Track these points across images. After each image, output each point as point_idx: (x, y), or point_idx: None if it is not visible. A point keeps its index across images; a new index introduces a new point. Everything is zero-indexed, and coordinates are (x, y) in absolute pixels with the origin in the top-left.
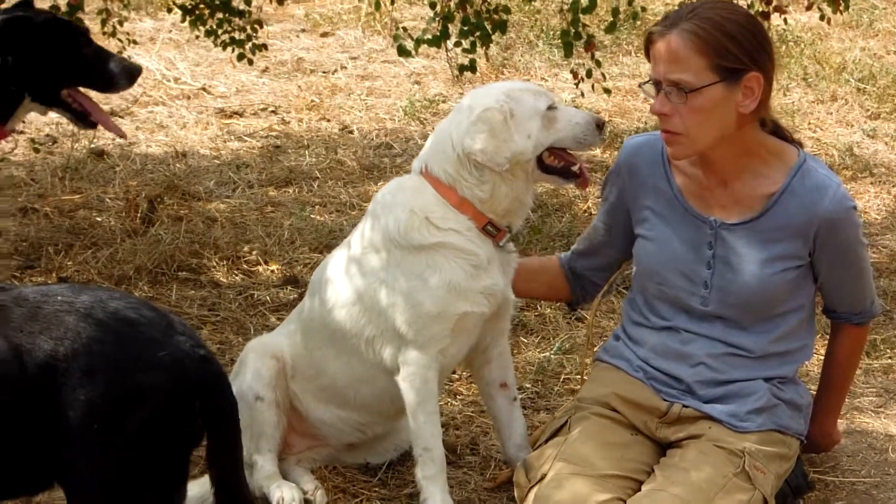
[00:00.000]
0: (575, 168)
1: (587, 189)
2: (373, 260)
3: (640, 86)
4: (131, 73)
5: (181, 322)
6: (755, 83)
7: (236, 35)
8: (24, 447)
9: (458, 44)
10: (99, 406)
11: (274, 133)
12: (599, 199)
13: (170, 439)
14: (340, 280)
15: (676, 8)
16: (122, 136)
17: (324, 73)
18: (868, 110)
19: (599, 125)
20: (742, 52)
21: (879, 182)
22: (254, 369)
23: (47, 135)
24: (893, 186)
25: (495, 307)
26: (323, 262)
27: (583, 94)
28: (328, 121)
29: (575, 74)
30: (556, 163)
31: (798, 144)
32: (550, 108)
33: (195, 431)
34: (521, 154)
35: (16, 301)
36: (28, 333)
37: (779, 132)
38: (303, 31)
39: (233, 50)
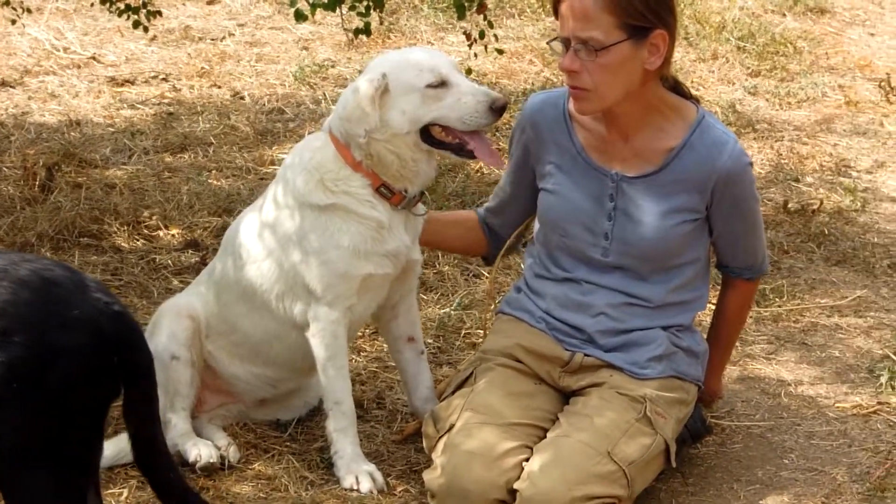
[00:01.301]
0: (469, 147)
1: (501, 166)
2: (284, 218)
3: (548, 42)
4: None
5: (95, 280)
6: (661, 41)
7: (131, 2)
8: None
9: (352, 7)
10: (18, 366)
11: (166, 100)
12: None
13: (88, 395)
14: (252, 239)
15: None
16: None
17: (212, 40)
18: (748, 68)
19: (494, 107)
20: (648, 10)
21: (762, 137)
22: (169, 330)
23: None
24: (776, 141)
25: (400, 268)
26: (234, 223)
27: (476, 55)
28: (219, 87)
29: (468, 36)
30: (446, 137)
31: (696, 101)
32: (435, 84)
33: (113, 386)
34: (394, 129)
35: None
36: None
37: (678, 89)
38: None
39: (127, 17)
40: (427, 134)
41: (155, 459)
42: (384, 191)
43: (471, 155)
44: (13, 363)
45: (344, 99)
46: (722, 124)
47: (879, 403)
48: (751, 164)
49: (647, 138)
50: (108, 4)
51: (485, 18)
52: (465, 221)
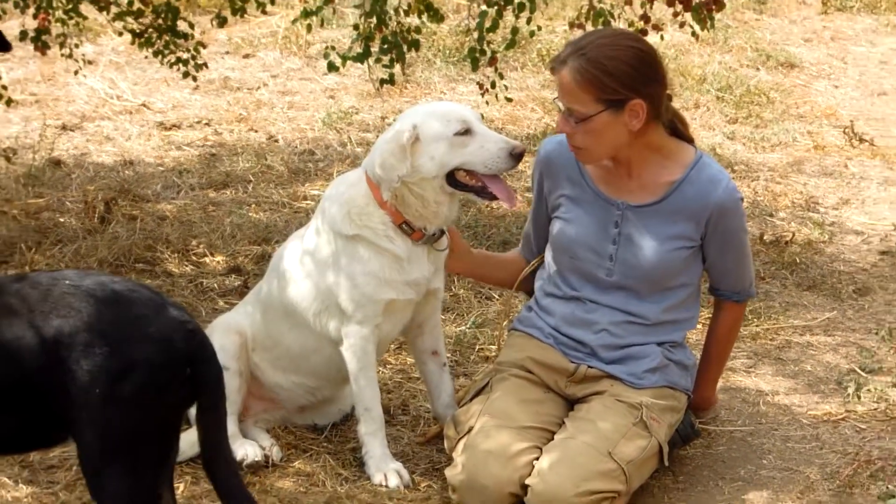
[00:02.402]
0: (489, 189)
1: (515, 206)
2: (321, 244)
3: (553, 100)
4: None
5: (175, 302)
6: (639, 108)
7: (181, 55)
8: (43, 408)
9: (377, 60)
10: (97, 375)
11: (209, 143)
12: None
13: (161, 402)
14: (294, 263)
15: (572, 40)
16: None
17: (248, 89)
18: (727, 115)
19: (514, 153)
20: (622, 85)
21: (740, 177)
22: (219, 344)
23: (7, 147)
24: (752, 181)
25: (422, 294)
26: (280, 248)
27: (487, 103)
28: (256, 131)
29: (481, 86)
30: (470, 181)
31: (693, 144)
32: (462, 133)
33: (186, 395)
34: (423, 173)
35: (31, 285)
36: (40, 313)
37: (678, 130)
38: (227, 52)
39: (178, 69)
40: (452, 178)
41: (220, 462)
42: (406, 227)
43: (491, 196)
44: (94, 372)
45: (379, 147)
46: (717, 164)
47: (847, 411)
48: (741, 199)
49: (650, 173)
50: (160, 58)
51: (495, 70)
52: (511, 262)
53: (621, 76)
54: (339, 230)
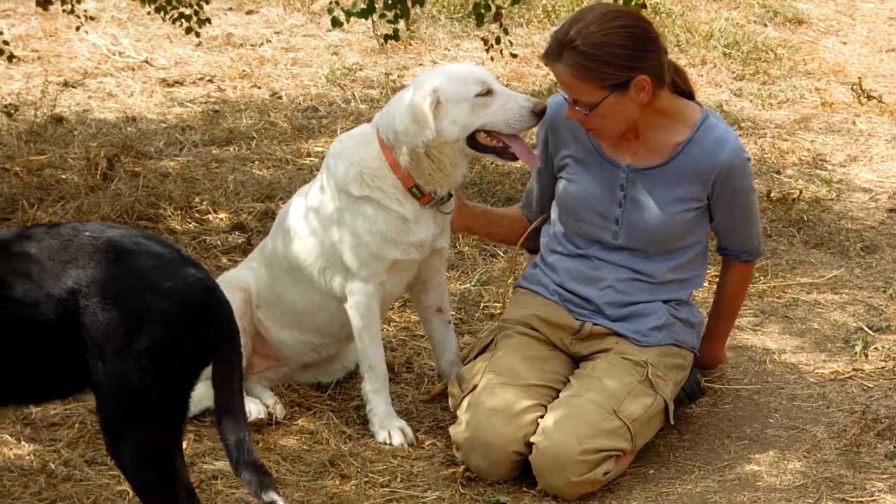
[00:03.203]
0: (511, 149)
1: (537, 164)
2: (326, 201)
3: (556, 89)
4: None
5: (192, 258)
6: (643, 82)
7: (184, 11)
8: (59, 357)
9: (382, 15)
10: (114, 326)
11: (212, 99)
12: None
13: (176, 359)
14: (299, 220)
15: (557, 30)
16: None
17: (251, 46)
18: (734, 72)
19: (536, 110)
20: (620, 69)
21: (746, 134)
22: None
23: (9, 104)
24: (759, 138)
25: (427, 254)
26: (285, 205)
27: (493, 59)
28: (259, 88)
29: (485, 42)
30: (491, 142)
31: (699, 103)
32: (483, 94)
33: (201, 353)
34: (446, 137)
35: (52, 234)
36: (59, 262)
37: (678, 88)
38: (230, 9)
39: (180, 24)
40: (472, 140)
41: (231, 420)
42: (415, 191)
43: (513, 157)
44: (110, 324)
45: (399, 113)
46: (724, 122)
47: (854, 370)
48: (748, 159)
49: (656, 135)
50: (162, 13)
51: (500, 26)
52: (511, 217)
53: (617, 59)
54: (347, 190)
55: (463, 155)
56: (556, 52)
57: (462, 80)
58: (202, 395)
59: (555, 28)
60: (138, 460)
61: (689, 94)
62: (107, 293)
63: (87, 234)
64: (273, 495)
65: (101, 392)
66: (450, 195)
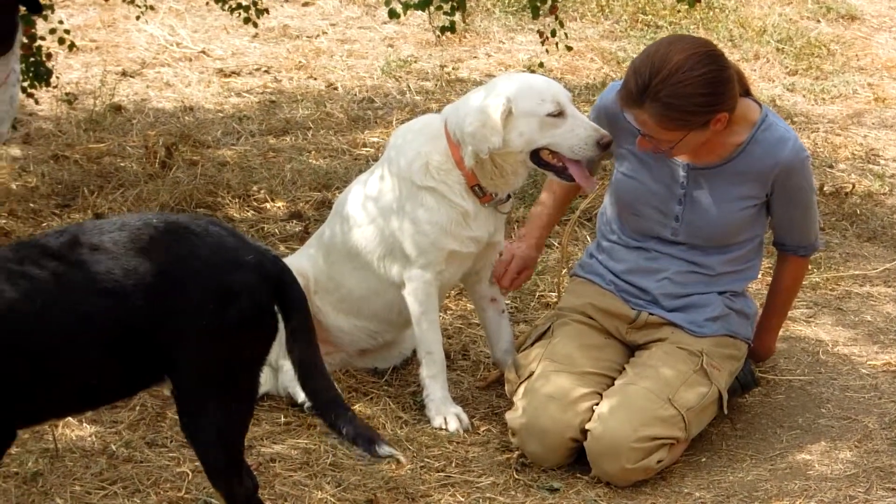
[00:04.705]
0: (569, 171)
1: (594, 191)
2: (387, 191)
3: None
4: None
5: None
6: (722, 118)
7: (242, 1)
8: (145, 350)
9: (439, 7)
10: (205, 304)
11: (269, 90)
12: None
13: (257, 333)
14: (358, 207)
15: (638, 71)
16: None
17: (308, 37)
18: (787, 67)
19: (602, 142)
20: (702, 113)
21: (799, 129)
22: None
23: (69, 93)
24: (812, 132)
25: (482, 248)
26: (343, 192)
27: (547, 51)
28: (315, 79)
29: (541, 34)
30: (552, 160)
31: (757, 101)
32: (554, 114)
33: (274, 324)
34: (510, 148)
35: (120, 227)
36: (134, 253)
37: (739, 89)
38: (286, 1)
39: (238, 14)
40: (535, 154)
41: (318, 380)
42: (477, 190)
43: (570, 178)
44: (201, 301)
45: (469, 114)
46: (783, 121)
47: None
48: (808, 157)
49: (717, 136)
50: (221, 3)
51: (556, 19)
52: (563, 202)
53: (700, 107)
54: (411, 179)
55: (525, 166)
56: (638, 99)
57: (538, 95)
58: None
59: (631, 66)
60: (214, 440)
61: (745, 92)
62: (191, 274)
63: (154, 221)
64: (387, 448)
65: (184, 373)
66: (508, 196)
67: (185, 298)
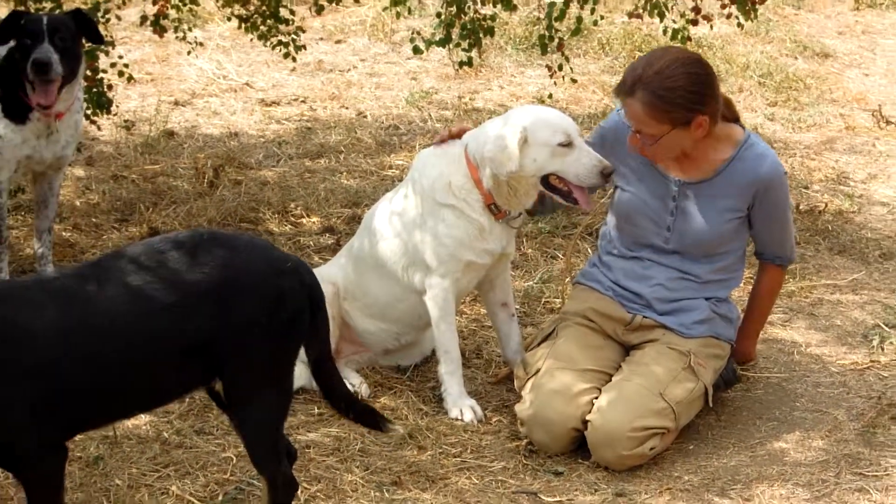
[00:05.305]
0: (574, 195)
1: (590, 211)
2: (410, 208)
3: (618, 111)
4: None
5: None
6: (703, 122)
7: (282, 38)
8: (203, 356)
9: (458, 44)
10: (259, 309)
11: (305, 118)
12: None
13: (299, 328)
14: (384, 223)
15: (631, 67)
16: None
17: (340, 71)
18: (768, 99)
19: (605, 172)
20: (686, 108)
21: (778, 154)
22: None
23: (127, 120)
24: (790, 157)
25: (495, 259)
26: (371, 209)
27: (555, 83)
28: (346, 108)
29: (549, 68)
30: (559, 184)
31: (739, 121)
32: (564, 144)
33: (308, 325)
34: (523, 172)
35: (175, 245)
36: (190, 268)
37: (726, 113)
38: (321, 38)
39: (280, 50)
40: (545, 179)
41: (331, 376)
42: (494, 208)
43: (574, 202)
44: (257, 306)
45: (489, 140)
46: (763, 142)
47: (872, 361)
48: (786, 173)
49: (704, 154)
50: (263, 40)
51: (563, 55)
52: None
53: (684, 101)
54: (433, 197)
55: (535, 188)
56: (630, 88)
57: (551, 127)
58: (297, 374)
59: (629, 64)
60: (261, 429)
61: (734, 119)
62: (248, 283)
63: (204, 237)
64: (388, 424)
65: (237, 372)
66: (520, 214)
67: (242, 306)
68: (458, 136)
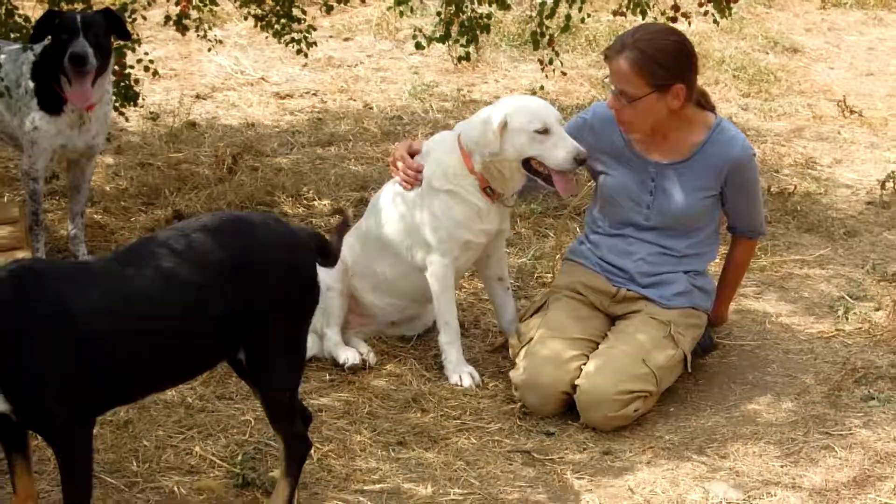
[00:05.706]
0: (553, 179)
1: (571, 195)
2: (410, 194)
3: (604, 81)
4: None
5: None
6: (680, 91)
7: (295, 36)
8: (228, 329)
9: (456, 41)
10: (280, 279)
11: (316, 109)
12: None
13: (312, 298)
14: (389, 205)
15: (623, 34)
16: None
17: (348, 66)
18: (741, 91)
19: (578, 158)
20: (668, 73)
21: (751, 141)
22: (325, 270)
23: (152, 112)
24: (762, 144)
25: (492, 237)
26: (376, 194)
27: (546, 76)
28: (354, 100)
29: (541, 62)
30: (540, 168)
31: (714, 111)
32: (542, 131)
33: (318, 292)
34: (505, 155)
35: (202, 229)
36: (219, 245)
37: (702, 102)
38: (330, 36)
39: (293, 47)
40: (527, 163)
41: None
42: (489, 191)
43: (553, 185)
44: (279, 277)
45: (478, 125)
46: (734, 126)
47: (837, 330)
48: (755, 154)
49: (679, 136)
50: (278, 39)
51: (553, 50)
52: None
53: (668, 65)
54: (431, 183)
55: (519, 172)
56: (619, 47)
57: (530, 114)
58: (310, 345)
59: (619, 33)
60: (280, 392)
61: (710, 110)
62: (269, 257)
63: (225, 219)
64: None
65: (260, 340)
66: (513, 195)
67: (262, 281)
68: (412, 155)
